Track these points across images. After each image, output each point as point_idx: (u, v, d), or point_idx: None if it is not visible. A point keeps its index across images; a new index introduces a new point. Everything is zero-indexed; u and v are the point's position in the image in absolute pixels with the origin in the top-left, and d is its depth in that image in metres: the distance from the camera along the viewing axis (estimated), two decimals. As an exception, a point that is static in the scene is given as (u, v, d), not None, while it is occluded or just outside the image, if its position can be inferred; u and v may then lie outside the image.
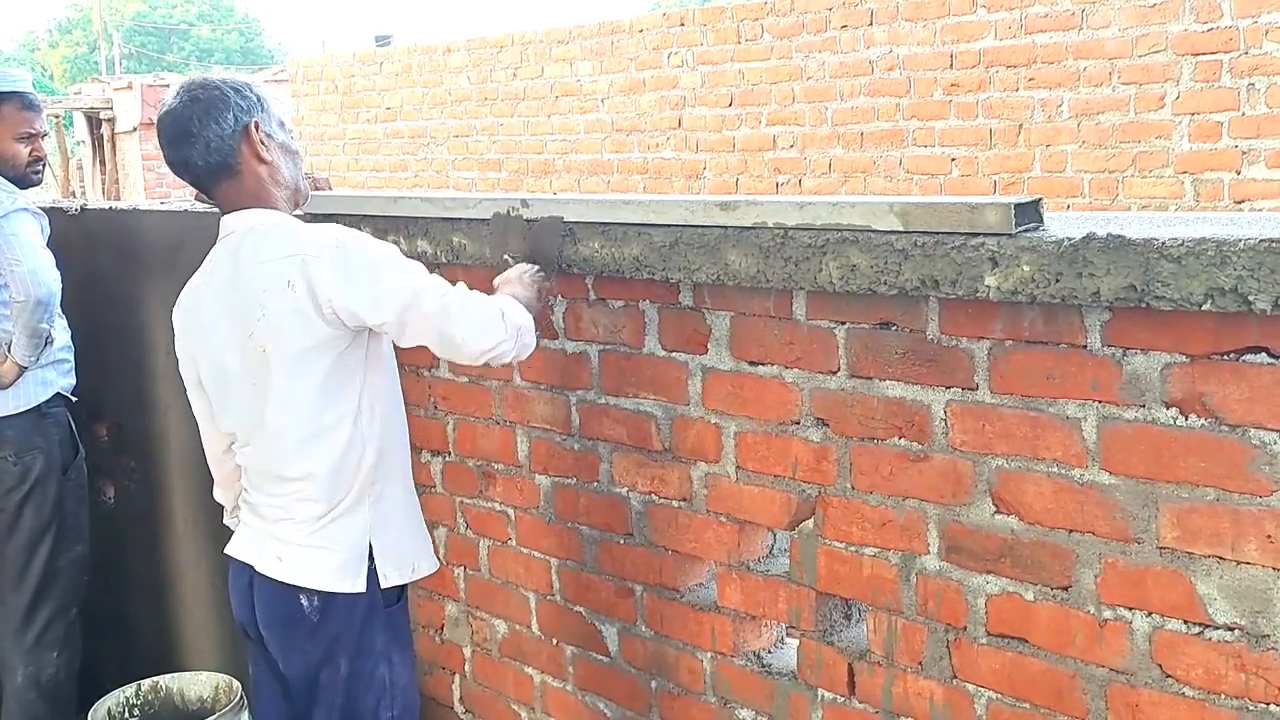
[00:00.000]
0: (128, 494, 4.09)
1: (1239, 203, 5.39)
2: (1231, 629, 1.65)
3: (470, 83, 9.26)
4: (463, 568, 2.95)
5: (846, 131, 6.79)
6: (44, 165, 3.74)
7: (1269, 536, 1.60)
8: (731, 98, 7.41)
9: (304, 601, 2.30)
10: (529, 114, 8.80)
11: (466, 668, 3.00)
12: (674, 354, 2.35)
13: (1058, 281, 1.70)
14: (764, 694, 2.27)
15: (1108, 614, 1.77)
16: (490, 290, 2.35)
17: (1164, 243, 1.60)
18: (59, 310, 3.58)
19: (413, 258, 2.34)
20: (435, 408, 2.95)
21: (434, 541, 2.57)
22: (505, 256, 2.52)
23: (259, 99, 2.36)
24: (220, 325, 2.32)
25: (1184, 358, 1.66)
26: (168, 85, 17.04)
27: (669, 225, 2.25)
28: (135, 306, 3.82)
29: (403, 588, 2.43)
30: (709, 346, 2.28)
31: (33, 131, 3.66)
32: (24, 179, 3.64)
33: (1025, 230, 1.77)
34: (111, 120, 19.92)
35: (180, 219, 3.59)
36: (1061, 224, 1.82)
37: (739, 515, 2.28)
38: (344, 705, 2.33)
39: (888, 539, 2.03)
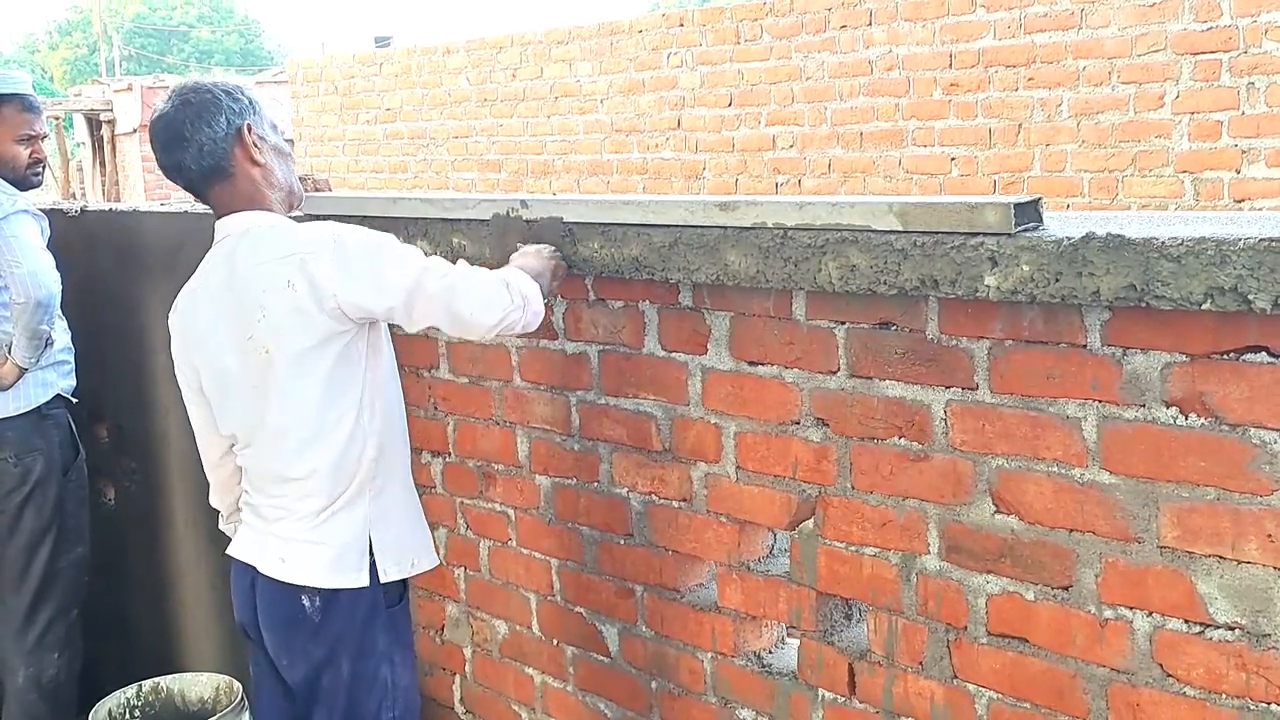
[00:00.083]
0: (128, 495, 4.09)
1: (1239, 202, 5.40)
2: (1232, 628, 1.65)
3: (470, 84, 9.26)
4: (463, 568, 2.95)
5: (846, 131, 6.79)
6: (44, 167, 3.74)
7: (1269, 536, 1.60)
8: (731, 98, 7.41)
9: (306, 602, 2.30)
10: (528, 115, 8.80)
11: (467, 668, 3.00)
12: (674, 354, 2.35)
13: (1057, 281, 1.70)
14: (764, 694, 2.27)
15: (1108, 614, 1.77)
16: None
17: (1164, 242, 1.60)
18: (59, 312, 3.58)
19: (412, 258, 2.34)
20: (435, 408, 2.95)
21: (434, 542, 2.57)
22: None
23: (251, 101, 2.37)
24: (219, 328, 2.32)
25: (1184, 357, 1.66)
26: (167, 87, 17.03)
27: (668, 226, 2.25)
28: (135, 308, 3.81)
29: (404, 589, 2.43)
30: (709, 347, 2.28)
31: (33, 133, 3.66)
32: (24, 181, 3.64)
33: (1025, 230, 1.77)
34: (111, 122, 19.93)
35: (180, 220, 3.59)
36: (1061, 223, 1.82)
37: (739, 515, 2.28)
38: (346, 706, 2.34)
39: (888, 539, 2.03)
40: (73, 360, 3.73)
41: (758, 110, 7.25)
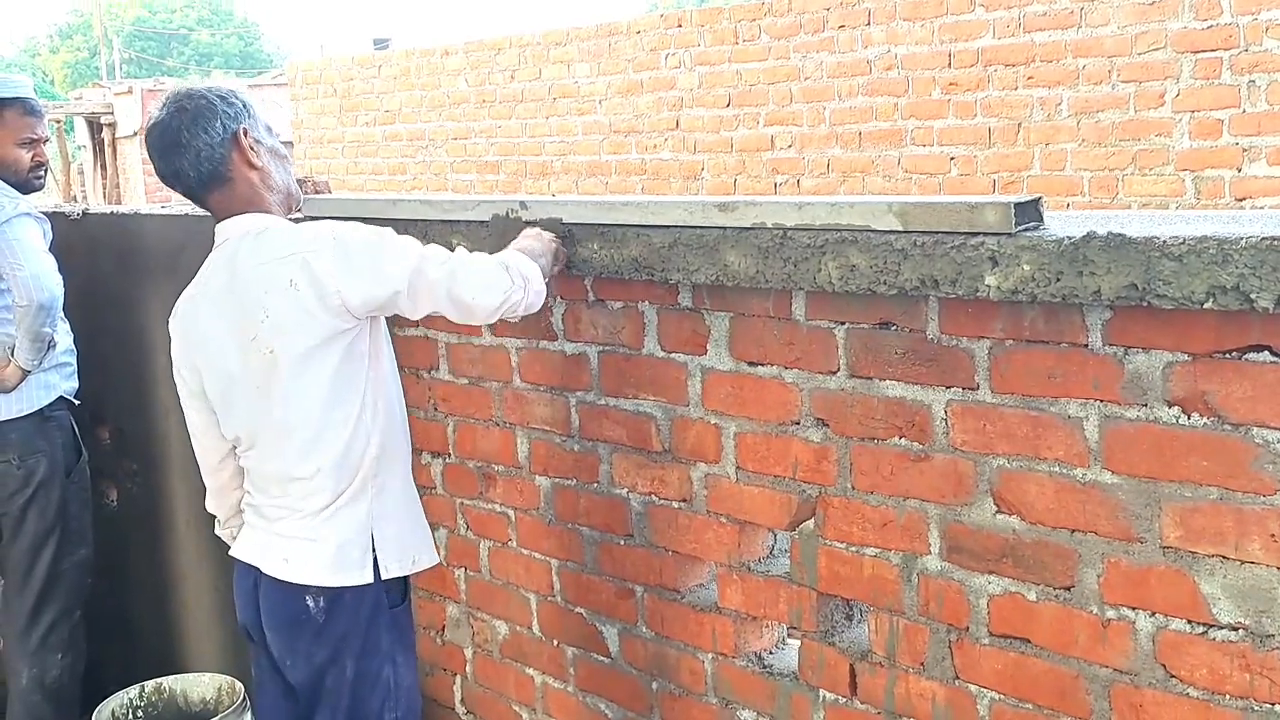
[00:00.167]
0: (130, 497, 4.09)
1: (1240, 200, 5.39)
2: (1235, 629, 1.65)
3: (468, 85, 9.26)
4: (463, 569, 2.95)
5: (845, 131, 6.79)
6: (46, 170, 3.75)
7: (1273, 535, 1.60)
8: (729, 98, 7.41)
9: (310, 602, 2.30)
10: (527, 116, 8.80)
11: (468, 669, 3.00)
12: (673, 355, 2.35)
13: (1058, 280, 1.70)
14: (765, 695, 2.27)
15: (1111, 614, 1.77)
16: None
17: (1165, 241, 1.59)
18: (61, 314, 3.58)
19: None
20: (435, 409, 2.95)
21: (435, 543, 2.57)
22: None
23: (245, 105, 2.38)
24: (221, 331, 2.32)
25: (1186, 356, 1.65)
26: (167, 90, 17.04)
27: (668, 226, 2.25)
28: (136, 310, 3.82)
29: (406, 589, 2.44)
30: (708, 347, 2.28)
31: (35, 137, 3.67)
32: (26, 184, 3.65)
33: (1025, 229, 1.77)
34: (112, 125, 19.93)
35: (181, 223, 3.59)
36: (1062, 223, 1.82)
37: (739, 516, 2.27)
38: (349, 707, 2.34)
39: (889, 539, 2.02)
40: (75, 362, 3.73)
41: (756, 110, 7.25)
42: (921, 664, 2.00)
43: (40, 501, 3.62)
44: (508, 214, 2.53)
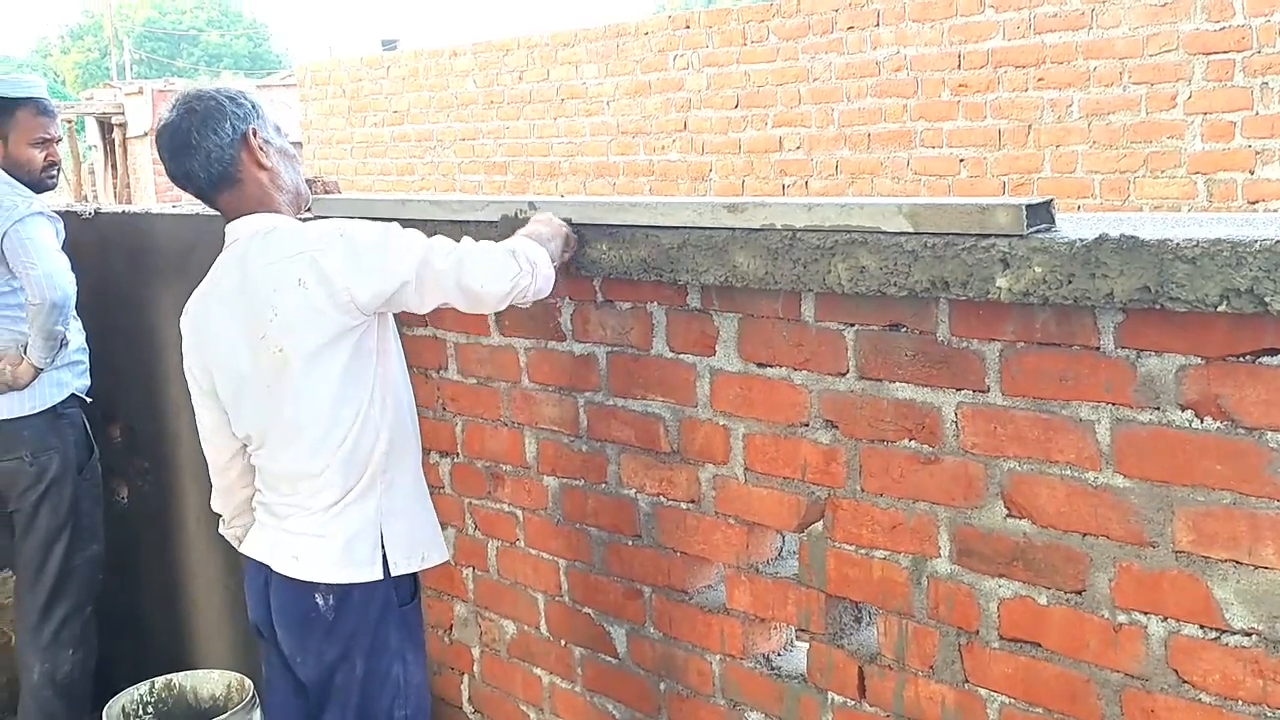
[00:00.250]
0: (141, 494, 4.10)
1: (1253, 203, 5.37)
2: (1249, 634, 1.64)
3: (476, 86, 9.27)
4: (471, 568, 2.95)
5: (853, 133, 6.78)
6: (59, 170, 3.77)
7: (1284, 539, 1.59)
8: (737, 99, 7.40)
9: (319, 600, 2.30)
10: (535, 117, 8.81)
11: (475, 668, 3.00)
12: (682, 356, 2.35)
13: (1070, 283, 1.69)
14: (773, 696, 2.26)
15: (1122, 618, 1.76)
16: None
17: (1178, 243, 1.58)
18: (74, 313, 3.59)
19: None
20: (444, 409, 2.94)
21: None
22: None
23: (254, 106, 2.39)
24: (232, 331, 2.33)
25: (1199, 360, 1.64)
26: (178, 91, 17.09)
27: (677, 227, 2.25)
28: (147, 309, 3.83)
29: (415, 587, 2.44)
30: (717, 348, 2.28)
31: (47, 136, 3.69)
32: (39, 183, 3.67)
33: (1037, 231, 1.76)
34: (123, 125, 19.99)
35: (192, 222, 3.60)
36: (1074, 225, 1.81)
37: (748, 517, 2.27)
38: (359, 704, 2.34)
39: (898, 542, 2.01)
40: (87, 360, 3.75)
41: (764, 112, 7.25)
42: (931, 667, 1.99)
43: (53, 498, 3.64)
44: (516, 215, 2.53)
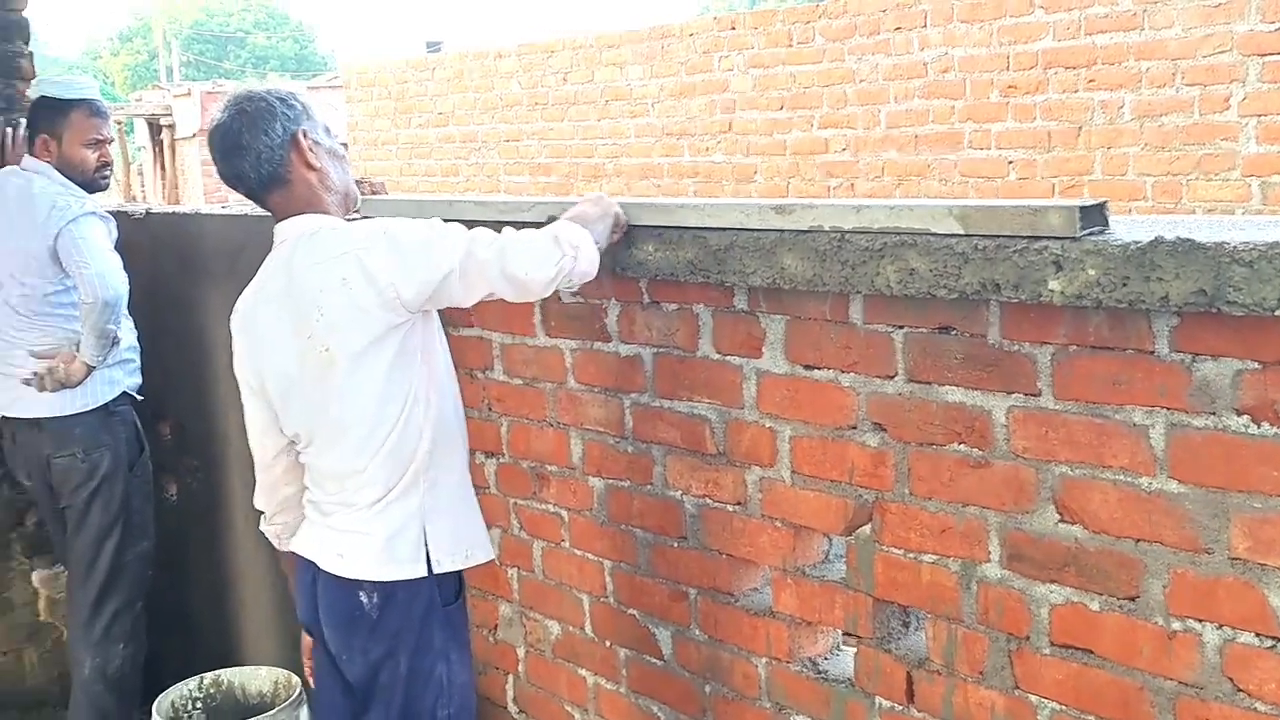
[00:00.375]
0: (190, 492, 4.16)
1: (1308, 206, 5.29)
2: (1304, 642, 1.61)
3: (521, 87, 9.30)
4: (516, 568, 2.96)
5: (900, 134, 6.74)
6: (111, 170, 3.82)
7: (1344, 547, 1.56)
8: (783, 101, 7.38)
9: (364, 598, 2.32)
10: (579, 118, 8.83)
11: (520, 668, 3.01)
12: (728, 357, 2.34)
13: (1124, 286, 1.67)
14: (820, 700, 2.25)
15: (1176, 625, 1.74)
16: None
17: (1235, 247, 1.56)
18: (125, 311, 3.64)
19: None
20: (489, 409, 2.96)
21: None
22: None
23: (304, 107, 2.41)
24: (280, 331, 2.35)
25: (1256, 364, 1.62)
26: (225, 93, 17.30)
27: (724, 229, 2.24)
28: (197, 308, 3.87)
29: (460, 587, 2.45)
30: (764, 350, 2.27)
31: (100, 138, 3.74)
32: (92, 184, 3.73)
33: (1090, 234, 1.74)
34: (171, 126, 20.26)
35: (241, 223, 3.64)
36: (1127, 227, 1.79)
37: (794, 520, 2.26)
38: (402, 703, 2.35)
39: (947, 546, 2.00)
40: (138, 359, 3.80)
41: (810, 113, 7.22)
42: (980, 673, 1.98)
43: (104, 494, 3.69)
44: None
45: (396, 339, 2.26)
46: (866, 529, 2.12)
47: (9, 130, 4.03)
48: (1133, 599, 1.78)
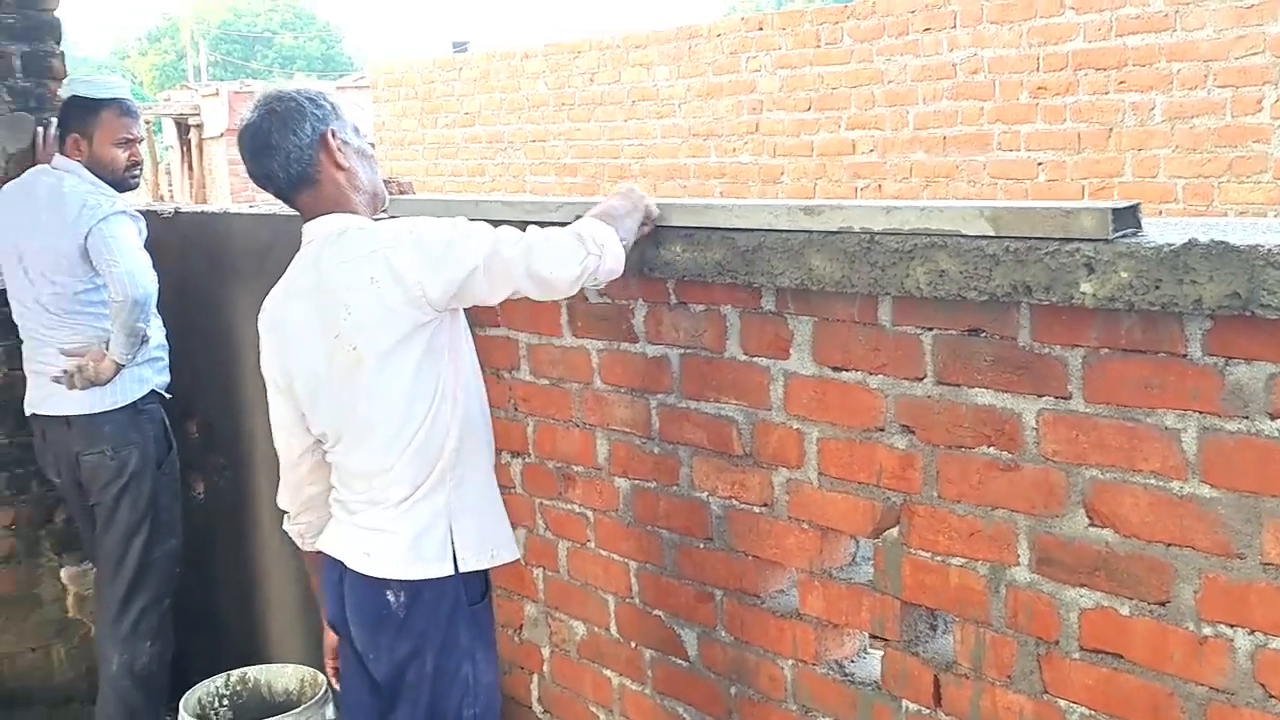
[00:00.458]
0: (217, 491, 4.18)
1: (1340, 209, 5.23)
2: (1339, 649, 1.59)
3: (547, 88, 9.32)
4: (542, 568, 2.96)
5: (928, 136, 6.71)
6: (140, 169, 3.85)
7: (1380, 554, 1.54)
8: (810, 102, 7.36)
9: (391, 597, 2.33)
10: (605, 119, 8.83)
11: (545, 668, 3.01)
12: (755, 359, 2.34)
13: (1157, 288, 1.66)
14: (846, 703, 2.24)
15: (1208, 631, 1.72)
16: None
17: (1270, 249, 1.55)
18: (155, 310, 3.66)
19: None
20: (515, 409, 2.96)
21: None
22: None
23: (333, 107, 2.42)
24: (307, 330, 2.36)
25: (1291, 368, 1.60)
26: (253, 92, 17.41)
27: (752, 229, 2.24)
28: (225, 308, 3.90)
29: (486, 587, 2.45)
30: (791, 351, 2.26)
31: (130, 137, 3.77)
32: (122, 183, 3.76)
33: (1123, 236, 1.73)
34: (199, 126, 20.39)
35: (269, 222, 3.66)
36: (1160, 230, 1.78)
37: (821, 522, 2.25)
38: (429, 702, 2.36)
39: (976, 549, 1.99)
40: (167, 357, 3.82)
41: (837, 114, 7.20)
42: (1009, 677, 1.97)
43: (132, 492, 3.72)
44: (592, 216, 2.54)
45: (424, 337, 2.27)
46: (894, 531, 2.11)
47: (40, 129, 4.07)
48: (1163, 604, 1.76)
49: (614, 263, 2.25)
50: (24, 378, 3.82)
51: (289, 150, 2.34)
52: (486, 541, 2.41)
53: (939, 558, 2.05)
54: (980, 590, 1.99)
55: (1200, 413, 1.70)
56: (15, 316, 3.80)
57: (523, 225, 2.69)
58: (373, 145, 2.62)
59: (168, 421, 3.85)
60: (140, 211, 3.83)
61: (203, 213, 4.32)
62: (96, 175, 3.70)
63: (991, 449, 1.95)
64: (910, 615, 2.12)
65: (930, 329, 2.02)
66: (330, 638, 2.63)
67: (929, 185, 6.73)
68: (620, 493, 2.69)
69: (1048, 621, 1.90)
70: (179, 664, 3.91)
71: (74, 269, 3.62)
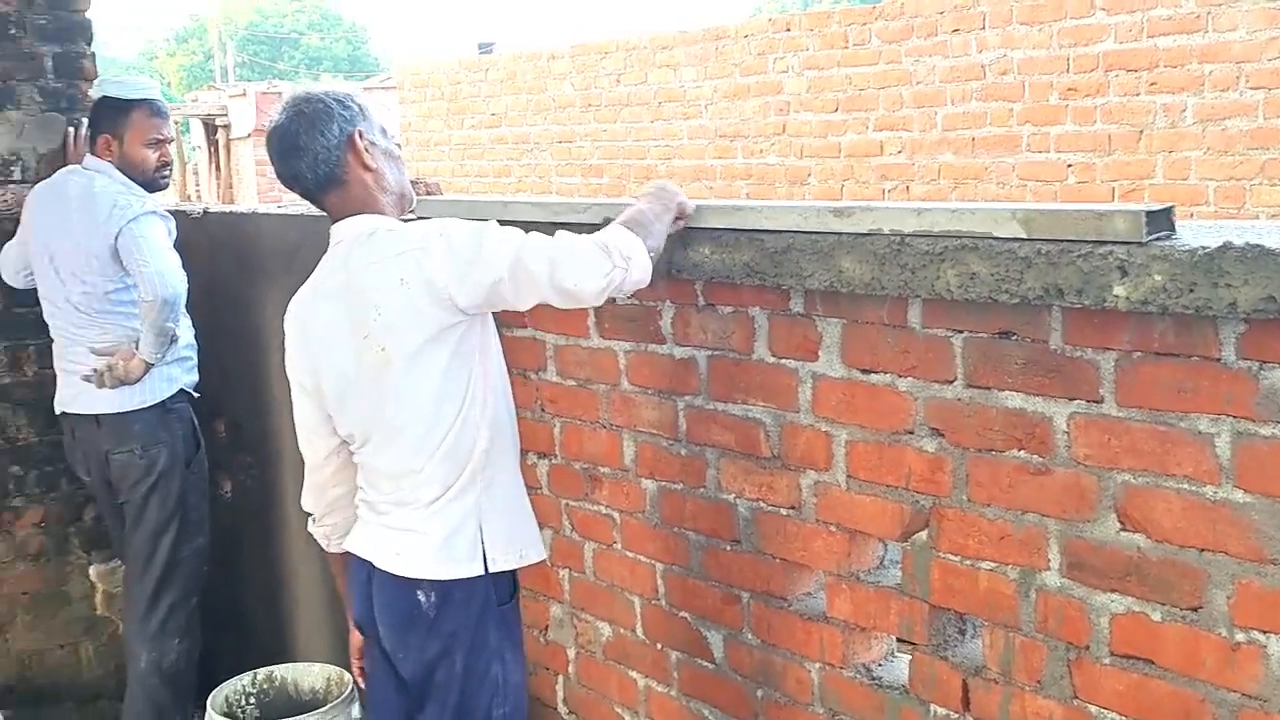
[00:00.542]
0: (244, 490, 4.20)
1: (1373, 212, 5.18)
2: (1376, 657, 1.57)
3: (574, 89, 9.33)
4: (568, 569, 2.96)
5: (957, 137, 6.68)
6: (170, 170, 3.87)
7: None
8: (838, 103, 7.34)
9: (421, 597, 2.33)
10: (632, 120, 8.84)
11: (570, 669, 3.01)
12: (784, 361, 2.33)
13: (1191, 292, 1.65)
14: (873, 707, 2.23)
15: (1240, 637, 1.70)
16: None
17: (1307, 252, 1.53)
18: (184, 310, 3.69)
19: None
20: (542, 410, 2.96)
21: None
22: None
23: (360, 108, 2.42)
24: (336, 331, 2.36)
25: (1327, 372, 1.58)
26: (280, 93, 17.53)
27: (781, 231, 2.23)
28: (254, 308, 3.91)
29: (514, 587, 2.45)
30: (820, 353, 2.26)
31: (161, 137, 3.80)
32: (152, 183, 3.78)
33: (1157, 239, 1.72)
34: (226, 126, 20.53)
35: (297, 223, 3.67)
36: (1194, 233, 1.76)
37: (849, 525, 2.24)
38: (458, 702, 2.36)
39: (1006, 553, 1.98)
40: (196, 357, 3.84)
41: (865, 115, 7.18)
42: (1038, 682, 1.95)
43: (161, 490, 3.74)
44: (619, 217, 2.53)
45: (453, 339, 2.28)
46: (923, 535, 2.10)
47: (71, 130, 4.11)
48: (1196, 609, 1.75)
49: (640, 275, 2.24)
50: (54, 376, 3.85)
51: (317, 151, 2.35)
52: (515, 542, 2.42)
53: (968, 562, 2.04)
54: (1010, 595, 1.98)
55: (1234, 417, 1.68)
56: (46, 316, 3.83)
57: (552, 227, 2.70)
58: (400, 146, 2.62)
59: (196, 421, 3.88)
60: (170, 212, 3.85)
61: (231, 213, 4.35)
62: (127, 175, 3.72)
63: (1022, 452, 1.94)
64: (939, 619, 2.11)
65: (960, 331, 2.01)
66: (356, 638, 2.64)
67: (957, 187, 6.70)
68: (647, 494, 2.69)
69: (1078, 626, 1.89)
70: (206, 662, 3.93)
71: (104, 269, 3.65)
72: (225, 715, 3.47)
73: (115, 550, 4.16)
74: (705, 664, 2.59)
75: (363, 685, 2.68)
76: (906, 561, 2.14)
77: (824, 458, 2.27)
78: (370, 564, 2.41)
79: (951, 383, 2.03)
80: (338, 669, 3.58)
